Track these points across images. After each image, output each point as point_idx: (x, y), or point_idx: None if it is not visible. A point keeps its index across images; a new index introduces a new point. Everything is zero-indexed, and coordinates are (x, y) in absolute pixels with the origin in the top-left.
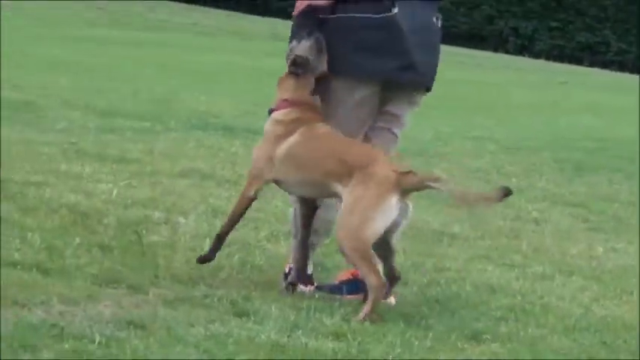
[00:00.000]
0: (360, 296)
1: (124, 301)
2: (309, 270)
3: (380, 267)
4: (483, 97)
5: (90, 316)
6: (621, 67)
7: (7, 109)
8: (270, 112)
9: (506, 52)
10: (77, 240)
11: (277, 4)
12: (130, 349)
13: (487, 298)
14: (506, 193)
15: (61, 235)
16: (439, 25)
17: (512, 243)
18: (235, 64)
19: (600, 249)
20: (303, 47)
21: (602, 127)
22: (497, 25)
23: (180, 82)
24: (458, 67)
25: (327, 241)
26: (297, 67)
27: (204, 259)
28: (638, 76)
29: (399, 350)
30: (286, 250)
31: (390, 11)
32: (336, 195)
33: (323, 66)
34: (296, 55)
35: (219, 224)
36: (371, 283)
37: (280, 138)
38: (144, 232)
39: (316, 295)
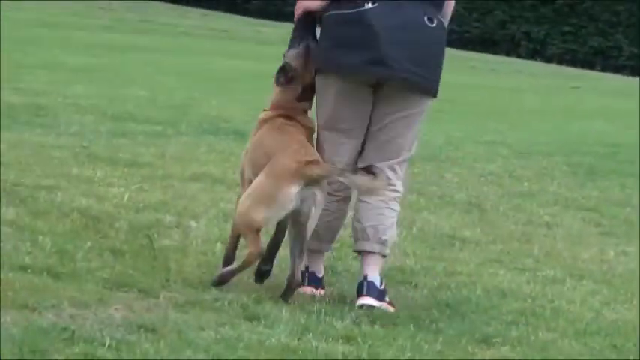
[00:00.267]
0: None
1: (134, 305)
2: (321, 274)
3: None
4: (495, 101)
5: (101, 319)
6: (633, 71)
7: (19, 112)
8: None
9: (519, 56)
10: (88, 244)
11: (291, 9)
12: (141, 353)
13: (498, 301)
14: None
15: (73, 239)
16: (432, 25)
17: (523, 247)
18: (248, 69)
19: (611, 253)
20: (291, 55)
21: (614, 132)
22: (509, 30)
23: (192, 87)
24: (470, 71)
25: (336, 245)
26: (281, 74)
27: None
28: None
29: (409, 354)
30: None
31: (363, 6)
32: None
33: (311, 72)
34: (284, 62)
35: (229, 228)
36: (250, 249)
37: (252, 137)
38: (155, 235)
39: (327, 299)
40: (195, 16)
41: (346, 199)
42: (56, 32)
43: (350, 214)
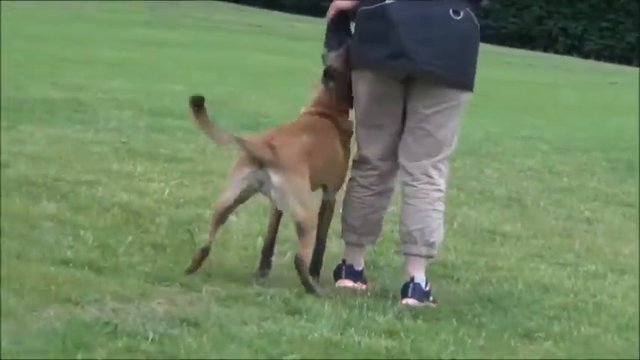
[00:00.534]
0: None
1: (177, 299)
2: (360, 267)
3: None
4: (532, 97)
5: (143, 313)
6: None
7: (59, 108)
8: None
9: (556, 52)
10: (130, 238)
11: (326, 4)
12: (183, 347)
13: (540, 296)
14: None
15: (114, 234)
16: (457, 18)
17: (564, 242)
18: (283, 64)
19: None
20: (332, 57)
21: None
22: (546, 26)
23: (229, 82)
24: (506, 67)
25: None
26: (329, 80)
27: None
28: None
29: (451, 348)
30: (338, 247)
31: (384, 1)
32: None
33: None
34: (328, 66)
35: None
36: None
37: None
38: (196, 230)
39: (368, 293)
40: (231, 11)
41: (383, 193)
42: (93, 27)
43: (391, 208)
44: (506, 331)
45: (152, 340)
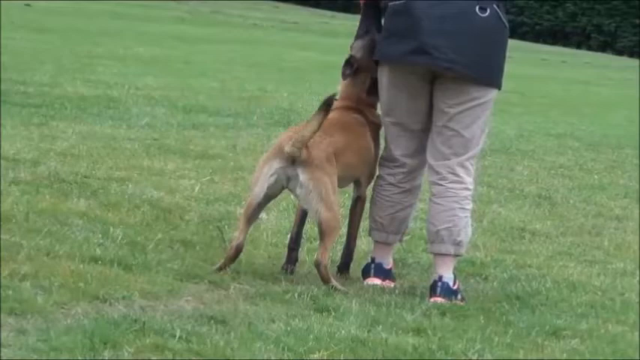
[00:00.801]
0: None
1: (205, 297)
2: (389, 265)
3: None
4: (566, 93)
5: (171, 311)
6: None
7: (91, 104)
8: None
9: (589, 49)
10: (159, 235)
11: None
12: (211, 345)
13: (568, 294)
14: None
15: (143, 231)
16: (484, 15)
17: (594, 240)
18: (317, 61)
19: None
20: (356, 47)
21: None
22: (580, 23)
23: (263, 79)
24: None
25: (406, 237)
26: (347, 67)
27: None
28: None
29: (479, 346)
30: (367, 245)
31: None
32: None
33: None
34: (350, 55)
35: None
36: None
37: None
38: (226, 227)
39: (396, 291)
40: (266, 7)
41: (411, 191)
42: (127, 24)
43: (420, 206)
44: (533, 329)
45: (179, 337)
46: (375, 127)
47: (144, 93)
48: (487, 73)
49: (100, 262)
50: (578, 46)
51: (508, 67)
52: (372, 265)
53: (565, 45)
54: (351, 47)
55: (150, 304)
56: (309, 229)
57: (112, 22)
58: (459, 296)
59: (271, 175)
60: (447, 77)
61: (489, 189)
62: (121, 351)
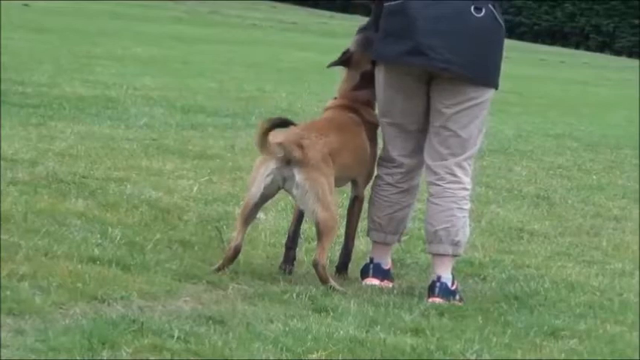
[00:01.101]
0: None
1: (203, 297)
2: (387, 266)
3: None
4: (564, 94)
5: (169, 311)
6: None
7: (89, 104)
8: None
9: (588, 49)
10: (157, 236)
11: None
12: (209, 345)
13: (566, 294)
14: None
15: (142, 231)
16: (479, 15)
17: (592, 240)
18: (316, 61)
19: None
20: (353, 41)
21: None
22: (579, 23)
23: (262, 79)
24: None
25: (404, 237)
26: (341, 57)
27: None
28: None
29: (477, 346)
30: (365, 245)
31: None
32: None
33: (368, 62)
34: (346, 49)
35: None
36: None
37: None
38: (224, 228)
39: (394, 291)
40: (264, 8)
41: (409, 191)
42: (126, 24)
43: (418, 206)
44: (531, 329)
45: (178, 338)
46: (371, 127)
47: (142, 93)
48: (483, 73)
49: (98, 262)
50: (577, 47)
51: (506, 68)
52: (371, 266)
53: (564, 45)
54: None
55: (148, 304)
56: (308, 228)
57: (111, 23)
58: (458, 296)
59: (267, 176)
60: (443, 78)
61: (488, 189)
62: (120, 351)
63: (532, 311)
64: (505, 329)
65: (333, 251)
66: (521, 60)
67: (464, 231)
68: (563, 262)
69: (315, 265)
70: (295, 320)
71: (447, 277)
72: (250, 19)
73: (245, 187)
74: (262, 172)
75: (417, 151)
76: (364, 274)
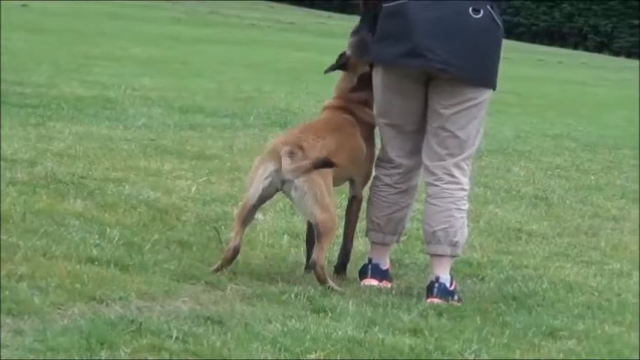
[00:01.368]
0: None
1: (201, 297)
2: (386, 266)
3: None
4: (563, 94)
5: (168, 311)
6: None
7: (87, 105)
8: None
9: (586, 49)
10: (156, 236)
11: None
12: (208, 345)
13: (564, 295)
14: None
15: (140, 232)
16: (477, 16)
17: (590, 240)
18: (314, 61)
19: None
20: (348, 43)
21: None
22: (577, 23)
23: (260, 79)
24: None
25: (403, 237)
26: (337, 61)
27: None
28: None
29: (475, 347)
30: (364, 246)
31: None
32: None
33: (365, 64)
34: (343, 52)
35: (297, 221)
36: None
37: None
38: (222, 228)
39: (393, 292)
40: (262, 8)
41: (408, 191)
42: (124, 24)
43: (417, 206)
44: (530, 330)
45: (176, 338)
46: (367, 127)
47: (140, 94)
48: (481, 73)
49: (96, 262)
50: (575, 47)
51: (504, 68)
52: (369, 266)
53: (562, 46)
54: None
55: (147, 304)
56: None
57: (109, 23)
58: (456, 297)
59: (266, 178)
60: (441, 79)
61: (486, 189)
62: (118, 351)
63: (530, 311)
64: (503, 329)
65: (331, 252)
66: (519, 60)
67: (462, 231)
68: (561, 262)
69: (313, 265)
70: (294, 320)
71: (445, 277)
72: (249, 19)
73: (243, 187)
74: (260, 174)
75: (415, 151)
76: (363, 274)
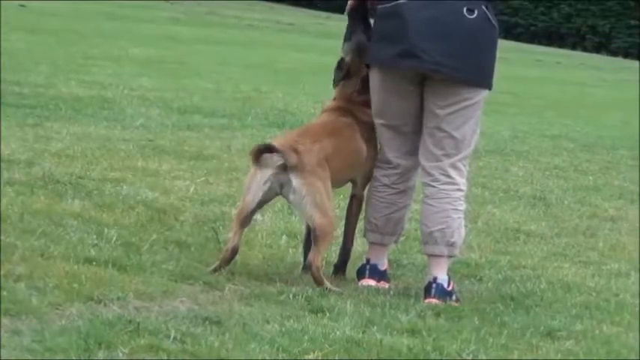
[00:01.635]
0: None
1: (199, 298)
2: (384, 267)
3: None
4: (561, 94)
5: (166, 312)
6: None
7: (85, 105)
8: None
9: (584, 50)
10: (154, 236)
11: None
12: (206, 345)
13: (562, 295)
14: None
15: (138, 232)
16: (471, 16)
17: (588, 241)
18: (313, 62)
19: None
20: (345, 50)
21: None
22: (575, 24)
23: (259, 80)
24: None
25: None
26: (339, 72)
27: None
28: None
29: (473, 347)
30: (362, 246)
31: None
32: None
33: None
34: (340, 58)
35: (295, 222)
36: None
37: None
38: (220, 228)
39: (391, 292)
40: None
41: (406, 192)
42: (122, 24)
43: (415, 206)
44: (528, 330)
45: (174, 338)
46: (368, 127)
47: (138, 94)
48: (476, 74)
49: (94, 262)
50: (573, 47)
51: (502, 68)
52: (367, 267)
53: (560, 46)
54: (342, 49)
55: (144, 304)
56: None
57: (107, 23)
58: (454, 297)
59: (265, 183)
60: (436, 79)
61: (484, 190)
62: (116, 352)
63: (528, 312)
64: (501, 330)
65: (329, 252)
66: (517, 61)
67: (459, 232)
68: (559, 262)
69: (310, 266)
70: (292, 321)
71: (443, 277)
72: (247, 19)
73: (241, 188)
74: (259, 179)
75: (413, 152)
76: (360, 274)
